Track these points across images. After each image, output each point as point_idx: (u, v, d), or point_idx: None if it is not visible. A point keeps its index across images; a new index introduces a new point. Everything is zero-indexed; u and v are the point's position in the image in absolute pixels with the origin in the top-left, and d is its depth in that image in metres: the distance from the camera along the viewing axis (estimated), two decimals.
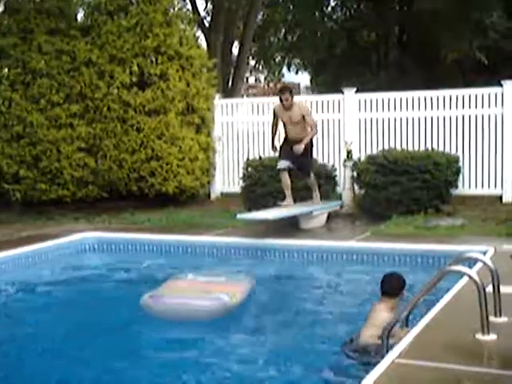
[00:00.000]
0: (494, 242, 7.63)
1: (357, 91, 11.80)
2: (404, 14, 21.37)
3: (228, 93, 17.64)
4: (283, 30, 23.72)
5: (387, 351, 4.02)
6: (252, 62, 25.36)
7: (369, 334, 4.83)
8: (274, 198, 10.17)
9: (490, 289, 4.29)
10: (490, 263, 4.46)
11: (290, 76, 28.27)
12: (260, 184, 10.78)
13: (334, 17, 23.54)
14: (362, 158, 10.80)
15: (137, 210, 11.46)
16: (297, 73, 26.47)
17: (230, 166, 12.71)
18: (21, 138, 11.41)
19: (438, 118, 11.18)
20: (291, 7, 22.79)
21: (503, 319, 4.42)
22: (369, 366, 4.16)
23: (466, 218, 9.65)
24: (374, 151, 11.14)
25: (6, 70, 11.81)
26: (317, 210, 9.72)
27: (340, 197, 10.86)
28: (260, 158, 11.42)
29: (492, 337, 4.09)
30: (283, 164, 9.62)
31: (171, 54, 11.82)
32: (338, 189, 11.11)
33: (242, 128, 12.69)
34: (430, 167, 9.90)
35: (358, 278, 7.52)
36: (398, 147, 11.07)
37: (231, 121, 12.76)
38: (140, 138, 11.45)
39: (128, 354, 5.19)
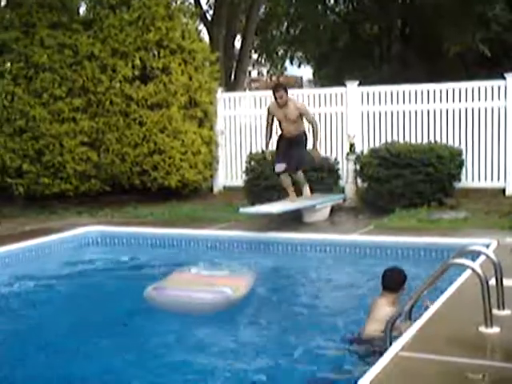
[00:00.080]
0: (497, 235, 7.62)
1: (359, 84, 11.78)
2: (406, 7, 21.29)
3: (230, 86, 17.63)
4: (286, 24, 23.67)
5: (390, 344, 4.03)
6: (254, 56, 25.33)
7: (372, 329, 4.84)
8: (278, 191, 10.14)
9: (493, 282, 4.29)
10: (493, 256, 4.46)
11: (292, 69, 28.26)
12: (263, 178, 10.76)
13: (337, 10, 23.49)
14: (365, 151, 10.78)
15: (139, 203, 11.46)
16: (299, 66, 26.46)
17: (232, 159, 12.70)
18: (23, 132, 11.42)
19: (440, 111, 11.16)
20: (293, 0, 22.74)
21: (506, 312, 4.43)
22: (373, 359, 4.16)
23: (469, 211, 9.63)
24: (377, 144, 11.12)
25: (9, 64, 11.79)
26: (320, 204, 9.71)
27: (343, 190, 10.85)
28: (263, 151, 11.39)
29: (495, 330, 4.10)
30: (279, 168, 9.53)
31: (173, 47, 11.81)
32: (341, 182, 11.09)
33: (244, 122, 12.68)
34: (433, 160, 9.88)
35: (361, 271, 7.51)
36: (401, 140, 11.07)
37: (234, 114, 12.75)
38: (142, 132, 11.45)
39: (131, 346, 5.21)
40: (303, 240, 8.37)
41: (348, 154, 11.00)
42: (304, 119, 9.56)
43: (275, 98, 9.38)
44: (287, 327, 5.71)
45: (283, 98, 9.28)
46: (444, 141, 10.92)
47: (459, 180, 10.47)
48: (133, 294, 6.37)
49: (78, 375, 4.70)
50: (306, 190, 9.88)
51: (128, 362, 4.89)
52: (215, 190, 12.78)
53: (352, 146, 11.05)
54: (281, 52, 25.15)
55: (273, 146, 9.87)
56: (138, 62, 11.48)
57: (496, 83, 10.93)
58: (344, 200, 10.62)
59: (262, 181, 10.77)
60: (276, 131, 9.81)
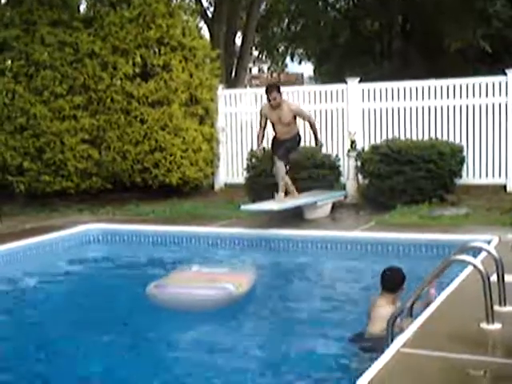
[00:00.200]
0: (499, 232, 7.61)
1: (360, 81, 11.77)
2: (407, 3, 21.25)
3: (231, 83, 17.63)
4: (286, 20, 23.68)
5: (392, 341, 4.02)
6: (255, 53, 25.35)
7: (374, 329, 4.83)
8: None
9: (494, 278, 4.28)
10: (494, 252, 4.45)
11: (293, 66, 28.28)
12: (264, 175, 10.75)
13: (337, 6, 23.51)
14: (366, 148, 10.78)
15: (141, 201, 11.46)
16: (300, 63, 26.47)
17: (233, 156, 12.70)
18: (24, 130, 11.42)
19: (441, 108, 11.15)
20: None
21: (508, 308, 4.42)
22: (376, 357, 4.16)
23: (470, 207, 9.63)
24: (378, 141, 11.10)
25: (9, 61, 11.79)
26: (321, 201, 9.71)
27: (344, 187, 10.85)
28: (264, 148, 11.38)
29: (497, 326, 4.09)
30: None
31: (174, 44, 11.80)
32: (342, 179, 11.08)
33: (245, 119, 12.66)
34: (434, 157, 9.87)
35: (363, 268, 7.51)
36: (402, 137, 11.06)
37: (235, 111, 12.74)
38: (143, 130, 11.44)
39: (133, 343, 5.22)
40: (304, 237, 8.36)
41: (349, 151, 10.99)
42: (300, 119, 9.55)
43: (268, 100, 9.23)
44: (289, 324, 5.71)
45: (276, 99, 9.13)
46: (445, 137, 10.92)
47: (460, 176, 10.45)
48: (134, 292, 6.38)
49: (78, 374, 4.70)
50: (281, 187, 9.21)
51: (129, 360, 4.89)
52: (216, 187, 12.78)
53: (353, 142, 11.04)
54: (281, 49, 25.17)
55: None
56: (138, 59, 11.47)
57: (497, 79, 10.92)
58: (345, 197, 10.62)
59: (262, 178, 10.76)
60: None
